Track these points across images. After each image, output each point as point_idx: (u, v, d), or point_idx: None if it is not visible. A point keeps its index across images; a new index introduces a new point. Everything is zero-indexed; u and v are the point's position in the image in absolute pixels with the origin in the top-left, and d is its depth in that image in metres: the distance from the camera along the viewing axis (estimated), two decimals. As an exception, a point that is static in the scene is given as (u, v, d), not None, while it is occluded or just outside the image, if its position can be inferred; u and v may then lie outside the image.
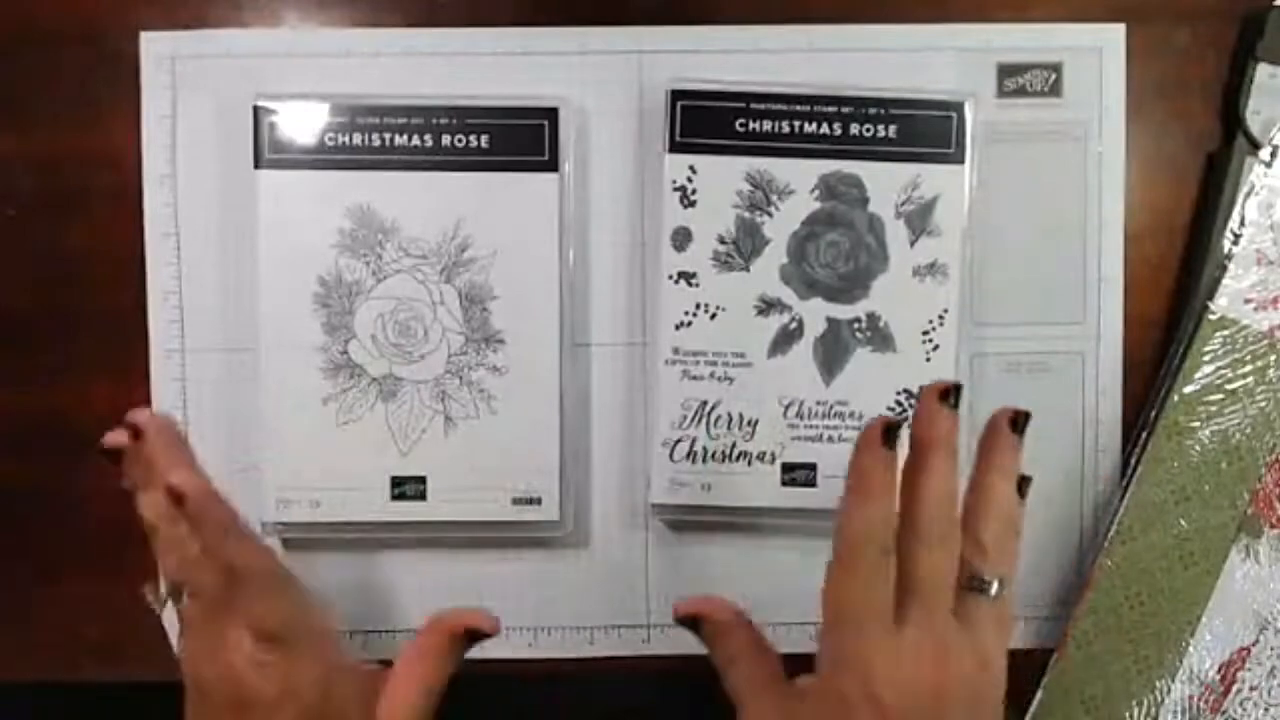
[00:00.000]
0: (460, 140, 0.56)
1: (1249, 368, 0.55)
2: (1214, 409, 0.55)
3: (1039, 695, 0.56)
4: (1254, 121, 0.57)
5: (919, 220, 0.56)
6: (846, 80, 0.57)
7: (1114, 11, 0.58)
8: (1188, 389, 0.56)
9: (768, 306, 0.57)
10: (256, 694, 0.46)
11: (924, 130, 0.56)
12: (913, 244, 0.56)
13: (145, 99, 0.58)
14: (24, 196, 0.58)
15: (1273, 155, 0.56)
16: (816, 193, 0.56)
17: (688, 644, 0.59)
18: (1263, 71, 0.57)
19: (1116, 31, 0.58)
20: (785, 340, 0.57)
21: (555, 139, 0.56)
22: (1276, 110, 0.56)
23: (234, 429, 0.58)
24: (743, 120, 0.56)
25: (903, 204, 0.56)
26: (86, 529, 0.59)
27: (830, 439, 0.57)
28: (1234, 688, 0.54)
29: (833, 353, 0.57)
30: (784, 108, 0.56)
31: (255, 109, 0.55)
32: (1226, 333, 0.55)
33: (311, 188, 0.56)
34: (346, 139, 0.56)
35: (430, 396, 0.56)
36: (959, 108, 0.56)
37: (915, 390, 0.56)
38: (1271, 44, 0.56)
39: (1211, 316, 0.56)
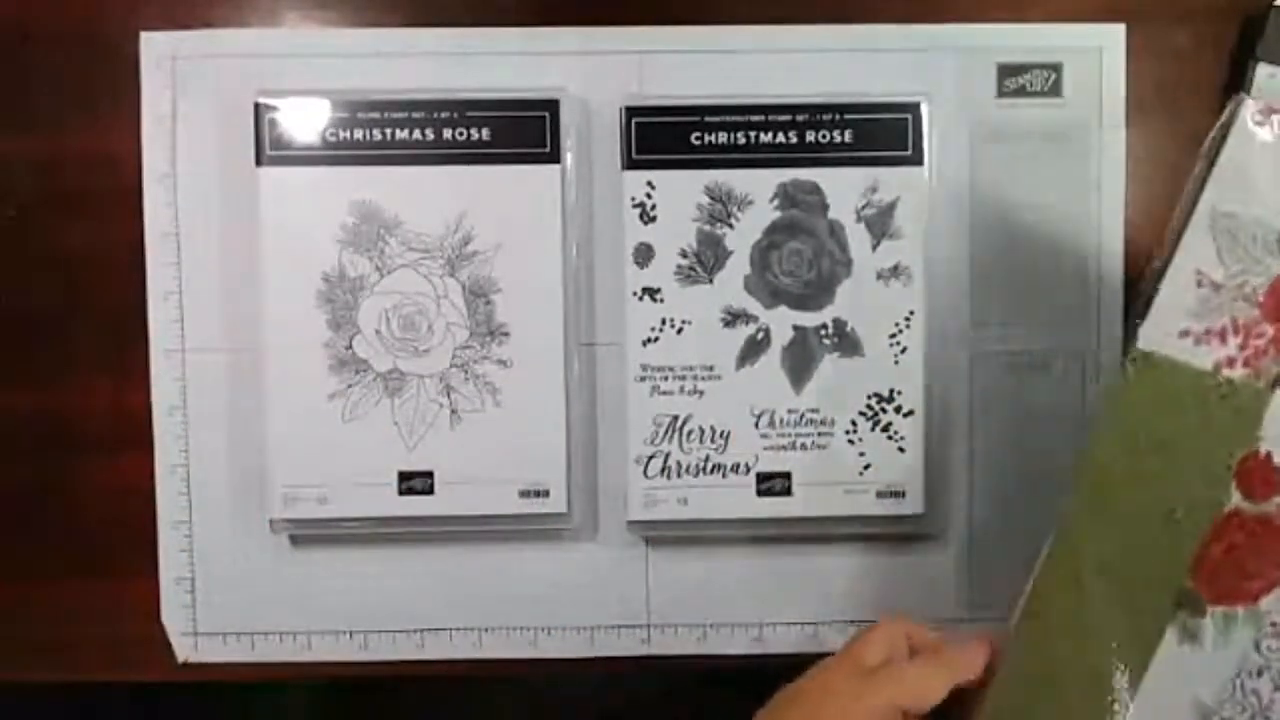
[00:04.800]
0: (461, 133, 0.56)
1: (1188, 414, 0.45)
2: (1145, 464, 0.45)
3: None
4: (1254, 121, 0.57)
5: (880, 224, 0.56)
6: (849, 82, 0.57)
7: (1114, 11, 0.58)
8: (1111, 440, 0.46)
9: (734, 318, 0.57)
10: None
11: (880, 133, 0.56)
12: (874, 248, 0.56)
13: (145, 99, 0.58)
14: (24, 196, 0.58)
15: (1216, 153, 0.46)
16: (776, 202, 0.56)
17: (688, 644, 0.59)
18: (1263, 71, 0.57)
19: (1116, 31, 0.58)
20: (753, 351, 0.57)
21: (556, 130, 0.56)
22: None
23: (236, 428, 0.58)
24: (698, 133, 0.56)
25: (863, 208, 0.56)
26: (86, 529, 0.58)
27: (803, 447, 0.57)
28: None
29: (801, 361, 0.57)
30: (739, 118, 0.56)
31: (256, 106, 0.55)
32: (1159, 373, 0.45)
33: (313, 184, 0.56)
34: (348, 134, 0.56)
35: (436, 391, 0.56)
36: (915, 109, 0.56)
37: (886, 393, 0.57)
38: (1271, 44, 0.56)
39: (1142, 354, 0.45)
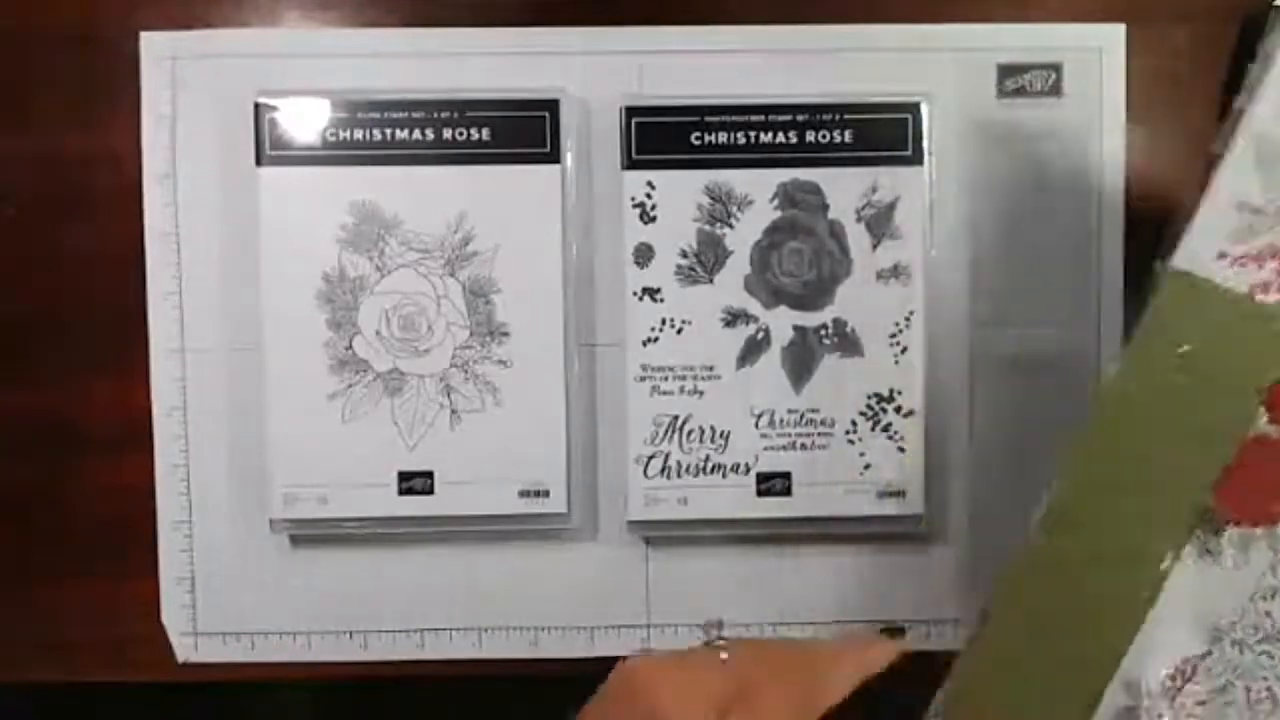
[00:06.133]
0: (461, 133, 0.56)
1: (1220, 335, 0.44)
2: (1173, 381, 0.44)
3: (942, 694, 0.48)
4: (1254, 121, 0.57)
5: (879, 224, 0.56)
6: (849, 82, 0.57)
7: (1114, 11, 0.58)
8: (1140, 356, 0.45)
9: (734, 318, 0.57)
10: None
11: (880, 133, 0.56)
12: (874, 248, 0.56)
13: (145, 99, 0.58)
14: (24, 196, 0.58)
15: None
16: (776, 202, 0.56)
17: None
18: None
19: (1116, 31, 0.58)
20: (753, 350, 0.57)
21: (556, 131, 0.56)
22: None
23: (236, 428, 0.58)
24: (698, 133, 0.56)
25: (862, 208, 0.56)
26: (86, 529, 0.59)
27: (803, 447, 0.57)
28: (1177, 700, 0.45)
29: (801, 360, 0.57)
30: (739, 119, 0.56)
31: (256, 105, 0.56)
32: (1194, 292, 0.44)
33: (313, 184, 0.56)
34: (348, 134, 0.56)
35: (436, 391, 0.56)
36: (915, 109, 0.56)
37: (886, 393, 0.57)
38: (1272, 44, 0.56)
39: (1176, 272, 0.44)
